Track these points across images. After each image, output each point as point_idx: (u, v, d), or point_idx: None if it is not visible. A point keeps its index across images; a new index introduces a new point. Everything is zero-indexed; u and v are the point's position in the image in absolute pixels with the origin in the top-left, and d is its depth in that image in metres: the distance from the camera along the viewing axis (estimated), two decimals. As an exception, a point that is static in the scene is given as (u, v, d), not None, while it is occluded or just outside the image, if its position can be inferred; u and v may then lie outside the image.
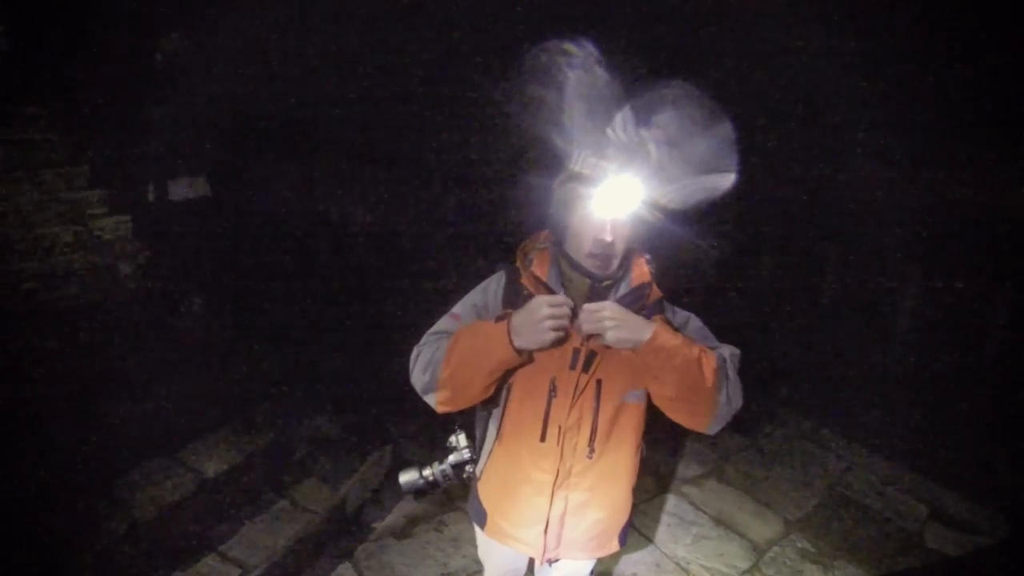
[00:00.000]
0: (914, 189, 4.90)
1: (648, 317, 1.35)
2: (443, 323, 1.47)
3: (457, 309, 1.48)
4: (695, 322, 1.49)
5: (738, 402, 1.35)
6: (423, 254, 4.94)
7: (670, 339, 1.28)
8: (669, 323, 1.38)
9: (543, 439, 1.39)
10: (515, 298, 1.40)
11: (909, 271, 4.86)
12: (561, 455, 1.40)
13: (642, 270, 1.43)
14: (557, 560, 1.56)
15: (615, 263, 1.37)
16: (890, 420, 3.82)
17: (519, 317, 1.29)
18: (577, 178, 1.33)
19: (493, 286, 1.48)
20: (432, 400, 1.41)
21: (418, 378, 1.42)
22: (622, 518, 1.54)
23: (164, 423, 2.87)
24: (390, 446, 3.26)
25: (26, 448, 2.57)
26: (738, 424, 3.85)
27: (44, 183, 3.30)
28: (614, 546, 1.55)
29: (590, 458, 1.40)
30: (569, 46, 1.31)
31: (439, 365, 1.36)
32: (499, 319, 1.34)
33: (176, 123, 4.57)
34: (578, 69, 1.30)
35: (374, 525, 2.80)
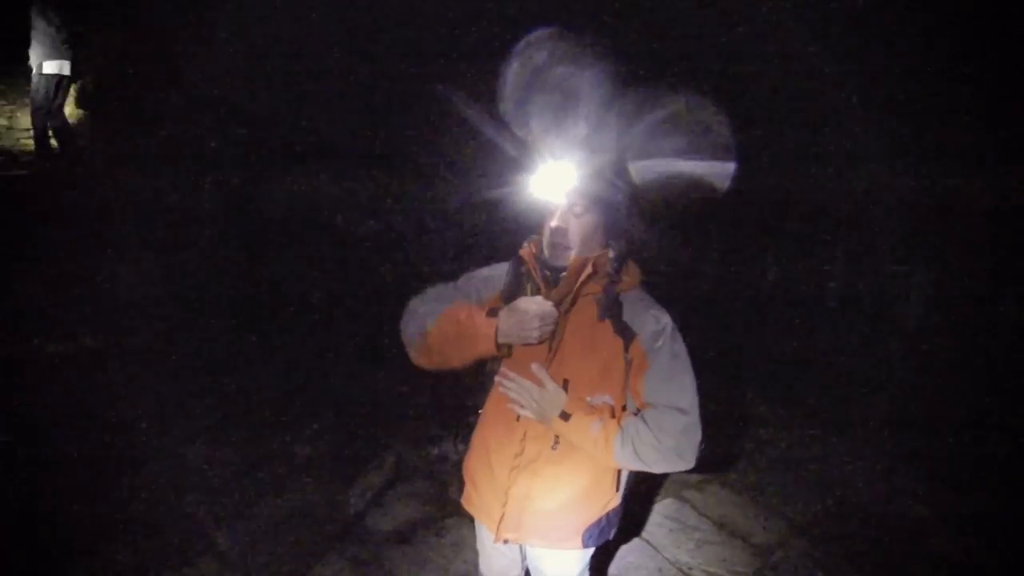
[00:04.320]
0: (920, 188, 4.87)
1: (600, 317, 1.38)
2: (445, 287, 1.55)
3: (461, 280, 1.56)
4: (674, 345, 1.38)
5: (660, 467, 1.35)
6: (426, 259, 4.94)
7: (569, 428, 1.35)
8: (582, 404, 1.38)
9: (518, 419, 1.45)
10: (516, 274, 1.46)
11: (915, 273, 4.83)
12: (528, 438, 1.46)
13: (584, 262, 1.36)
14: (512, 542, 1.59)
15: (571, 255, 1.37)
16: (895, 424, 3.79)
17: (506, 318, 1.34)
18: (532, 169, 1.39)
19: (500, 266, 1.54)
20: (409, 353, 1.50)
21: (404, 327, 1.50)
22: (587, 517, 1.52)
23: (166, 425, 2.89)
24: (392, 451, 3.25)
25: (25, 449, 2.59)
26: (741, 428, 3.83)
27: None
28: (576, 544, 1.54)
29: (554, 449, 1.45)
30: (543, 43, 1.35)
31: (423, 331, 1.43)
32: (490, 312, 1.39)
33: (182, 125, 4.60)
34: (555, 65, 1.33)
35: (375, 530, 2.80)
